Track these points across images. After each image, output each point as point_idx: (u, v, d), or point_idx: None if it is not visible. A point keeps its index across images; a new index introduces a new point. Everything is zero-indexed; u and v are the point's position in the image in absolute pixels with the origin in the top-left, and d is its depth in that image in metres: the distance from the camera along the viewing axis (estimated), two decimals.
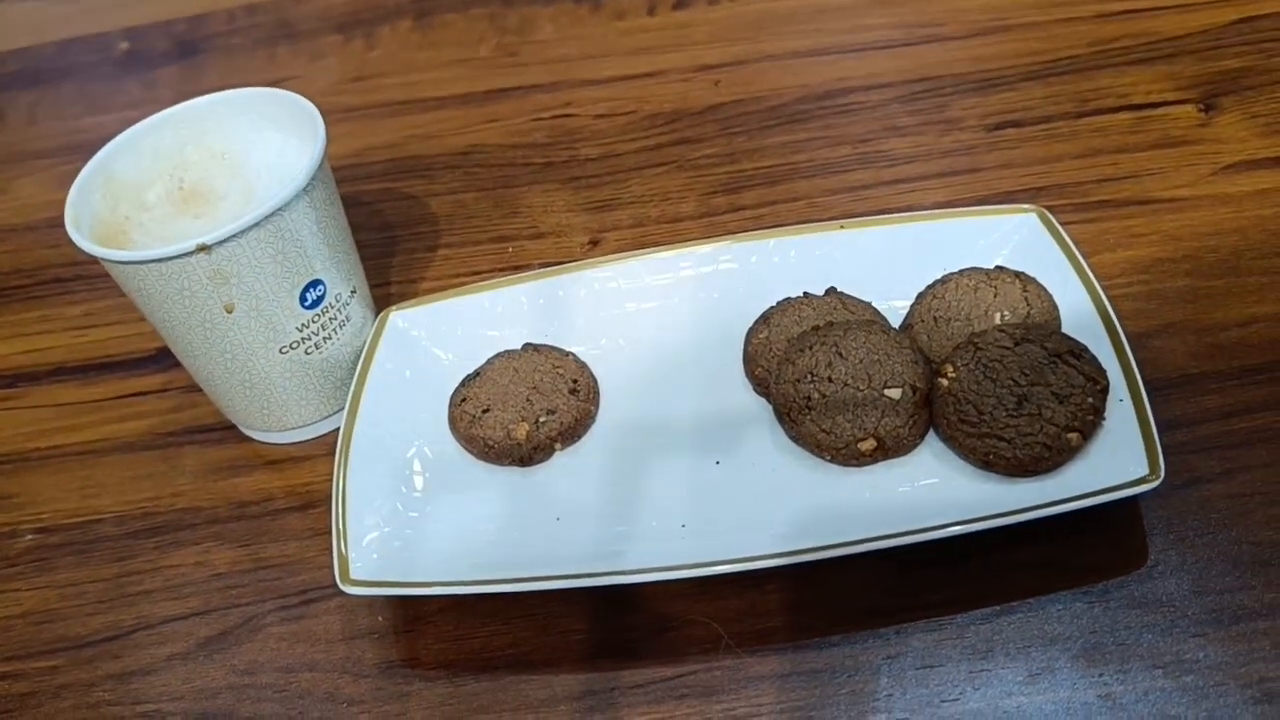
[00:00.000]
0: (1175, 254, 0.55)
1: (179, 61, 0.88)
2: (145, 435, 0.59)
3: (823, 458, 0.48)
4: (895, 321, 0.53)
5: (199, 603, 0.51)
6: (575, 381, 0.53)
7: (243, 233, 0.48)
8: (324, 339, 0.54)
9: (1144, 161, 0.60)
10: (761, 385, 0.52)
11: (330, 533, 0.47)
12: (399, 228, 0.68)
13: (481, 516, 0.50)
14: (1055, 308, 0.50)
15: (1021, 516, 0.42)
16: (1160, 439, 0.43)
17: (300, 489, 0.54)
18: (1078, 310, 0.50)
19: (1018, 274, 0.52)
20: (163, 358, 0.62)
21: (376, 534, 0.48)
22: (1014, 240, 0.53)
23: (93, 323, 0.66)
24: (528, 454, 0.51)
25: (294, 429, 0.56)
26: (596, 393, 0.53)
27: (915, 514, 0.44)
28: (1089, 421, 0.45)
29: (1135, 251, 0.55)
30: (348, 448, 0.50)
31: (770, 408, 0.51)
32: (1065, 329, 0.50)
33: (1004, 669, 0.42)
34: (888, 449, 0.47)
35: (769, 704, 0.43)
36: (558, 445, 0.52)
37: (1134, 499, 0.45)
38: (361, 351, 0.54)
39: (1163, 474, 0.42)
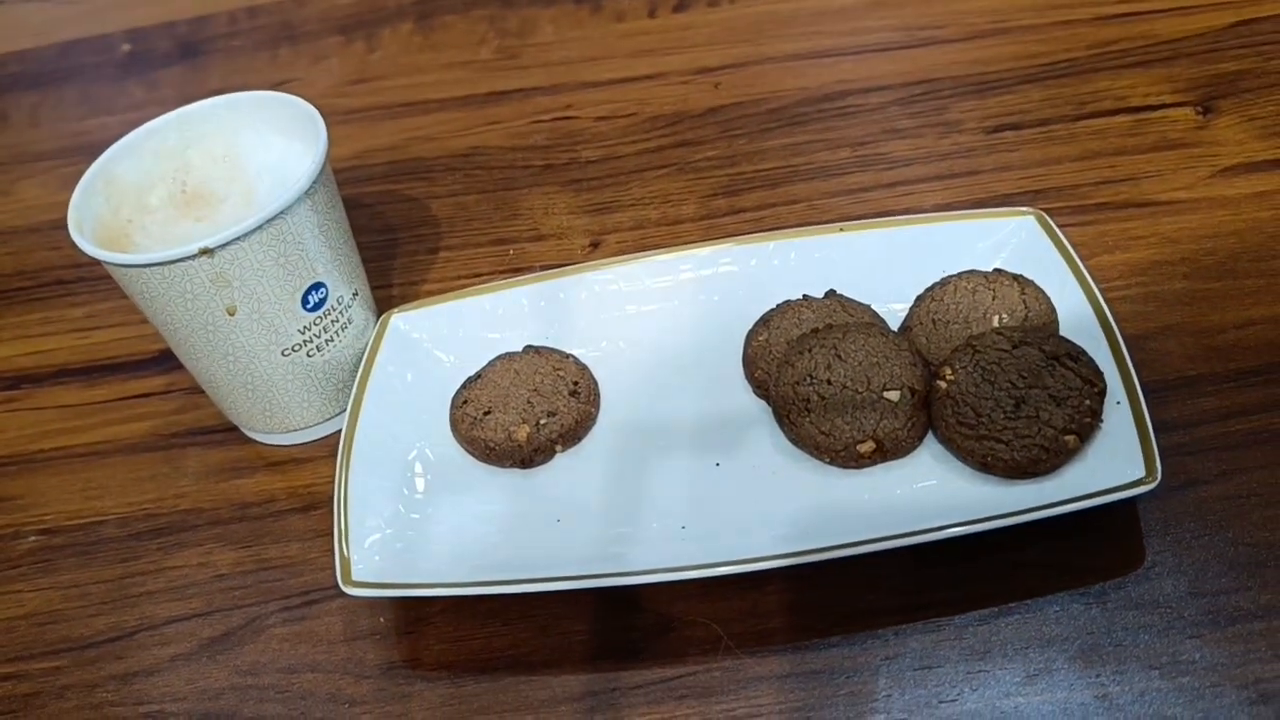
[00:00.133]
0: (1173, 256, 0.55)
1: (181, 63, 0.88)
2: (148, 437, 0.59)
3: (822, 460, 0.49)
4: (894, 324, 0.53)
5: (201, 604, 0.51)
6: (576, 383, 0.53)
7: (245, 236, 0.48)
8: (326, 341, 0.54)
9: (1142, 164, 0.60)
10: (761, 387, 0.52)
11: (332, 534, 0.48)
12: (400, 230, 0.68)
13: (483, 518, 0.50)
14: (1053, 310, 0.51)
15: (1019, 518, 0.42)
16: (1157, 441, 0.43)
17: (302, 490, 0.55)
18: (1075, 313, 0.50)
19: (1016, 277, 0.52)
20: (165, 360, 0.62)
21: (378, 535, 0.48)
22: (1012, 243, 0.53)
23: (95, 325, 0.66)
24: (529, 456, 0.51)
25: (296, 431, 0.56)
26: (597, 395, 0.54)
27: (914, 516, 0.44)
28: (1086, 424, 0.45)
29: (1133, 254, 0.56)
30: (349, 449, 0.50)
31: (770, 410, 0.51)
32: (1063, 331, 0.50)
33: (1002, 670, 0.43)
34: (886, 451, 0.48)
35: (768, 704, 0.43)
36: (559, 447, 0.52)
37: (1131, 501, 0.45)
38: (363, 354, 0.55)
39: (1159, 476, 0.42)
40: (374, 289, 0.59)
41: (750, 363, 0.53)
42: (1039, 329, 0.49)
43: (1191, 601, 0.43)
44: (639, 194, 0.66)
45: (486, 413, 0.52)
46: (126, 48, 0.91)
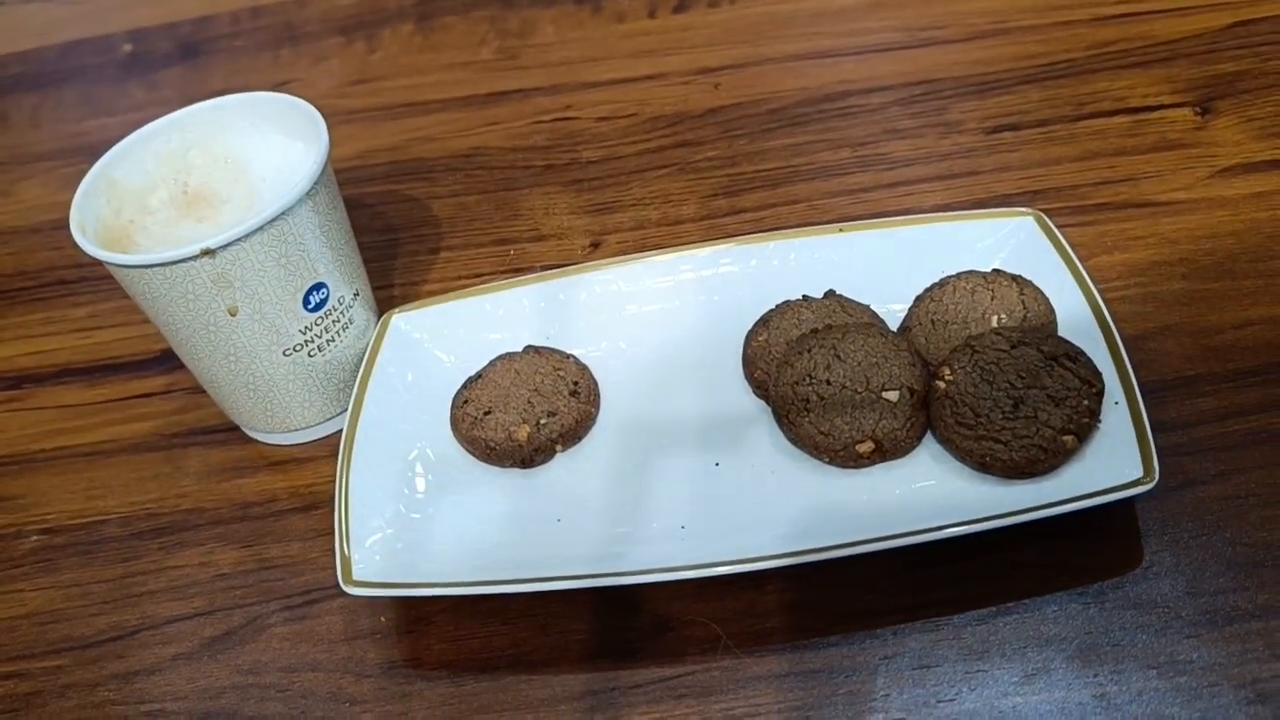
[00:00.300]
0: (1171, 257, 0.55)
1: (182, 64, 0.88)
2: (150, 437, 0.59)
3: (821, 460, 0.49)
4: (893, 324, 0.53)
5: (203, 603, 0.51)
6: (576, 383, 0.53)
7: (246, 237, 0.49)
8: (327, 341, 0.54)
9: (1141, 165, 0.60)
10: (761, 387, 0.52)
11: (333, 534, 0.48)
12: (401, 230, 0.68)
13: (483, 518, 0.50)
14: (1052, 311, 0.51)
15: (1018, 518, 0.43)
16: (1155, 441, 0.43)
17: (303, 490, 0.55)
18: (1074, 313, 0.50)
19: (1015, 277, 0.52)
20: (167, 360, 0.62)
21: (379, 535, 0.48)
22: (1011, 243, 0.53)
23: (97, 325, 0.67)
24: (529, 455, 0.51)
25: (297, 431, 0.56)
26: (597, 395, 0.54)
27: (912, 515, 0.44)
28: (1085, 424, 0.45)
29: (1132, 254, 0.56)
30: (350, 449, 0.51)
31: (769, 410, 0.51)
32: (1062, 332, 0.50)
33: (1000, 669, 0.43)
34: (885, 451, 0.48)
35: (767, 704, 0.43)
36: (559, 447, 0.52)
37: (1129, 501, 0.46)
38: (364, 354, 0.55)
39: (1157, 476, 0.42)
40: (375, 289, 0.59)
41: (750, 363, 0.53)
42: (1038, 329, 0.49)
43: (1189, 601, 0.43)
44: (639, 194, 0.66)
45: (487, 413, 0.52)
46: (128, 48, 0.91)
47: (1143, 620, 0.43)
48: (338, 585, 0.46)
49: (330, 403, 0.56)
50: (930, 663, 0.43)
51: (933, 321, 0.52)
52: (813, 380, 0.49)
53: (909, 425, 0.48)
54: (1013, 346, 0.48)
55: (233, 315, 0.51)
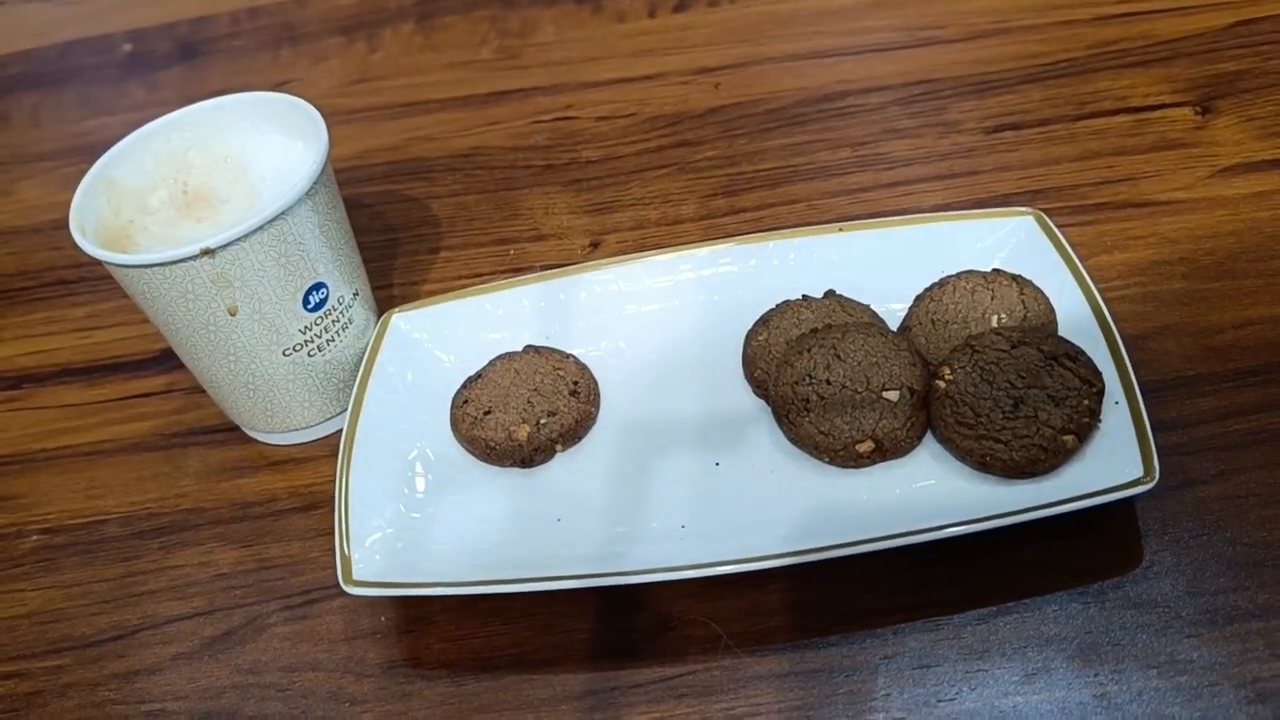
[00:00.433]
0: (1171, 256, 0.55)
1: (182, 64, 0.88)
2: (149, 436, 0.59)
3: (821, 459, 0.49)
4: (893, 324, 0.53)
5: (203, 603, 0.51)
6: (576, 383, 0.53)
7: (246, 236, 0.49)
8: (327, 341, 0.54)
9: (1141, 164, 0.60)
10: (761, 387, 0.52)
11: (333, 533, 0.48)
12: (400, 230, 0.68)
13: (483, 517, 0.50)
14: (1052, 310, 0.51)
15: (1018, 518, 0.43)
16: (1155, 441, 0.43)
17: (303, 490, 0.55)
18: (1074, 313, 0.50)
19: (1015, 277, 0.52)
20: (166, 359, 0.62)
21: (379, 535, 0.48)
22: (1011, 243, 0.53)
23: (97, 324, 0.67)
24: (529, 455, 0.51)
25: (297, 430, 0.56)
26: (597, 394, 0.54)
27: (913, 515, 0.44)
28: (1085, 424, 0.45)
29: (1132, 254, 0.56)
30: (350, 449, 0.51)
31: (769, 409, 0.51)
32: (1062, 331, 0.50)
33: (1000, 669, 0.43)
34: (885, 450, 0.48)
35: (768, 703, 0.43)
36: (559, 446, 0.52)
37: (1129, 500, 0.46)
38: (364, 353, 0.55)
39: (1158, 476, 0.42)
40: (375, 289, 0.59)
41: (750, 362, 0.53)
42: (1038, 329, 0.49)
43: (1189, 601, 0.43)
44: (639, 194, 0.66)
45: (487, 412, 0.52)
46: (127, 48, 0.91)
47: (1143, 620, 0.43)
48: (338, 585, 0.46)
49: (330, 402, 0.56)
50: (930, 662, 0.43)
51: (933, 321, 0.52)
52: (813, 380, 0.49)
53: (909, 425, 0.48)
54: (1013, 346, 0.48)
55: (232, 315, 0.51)
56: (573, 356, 0.55)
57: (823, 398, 0.49)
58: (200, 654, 0.49)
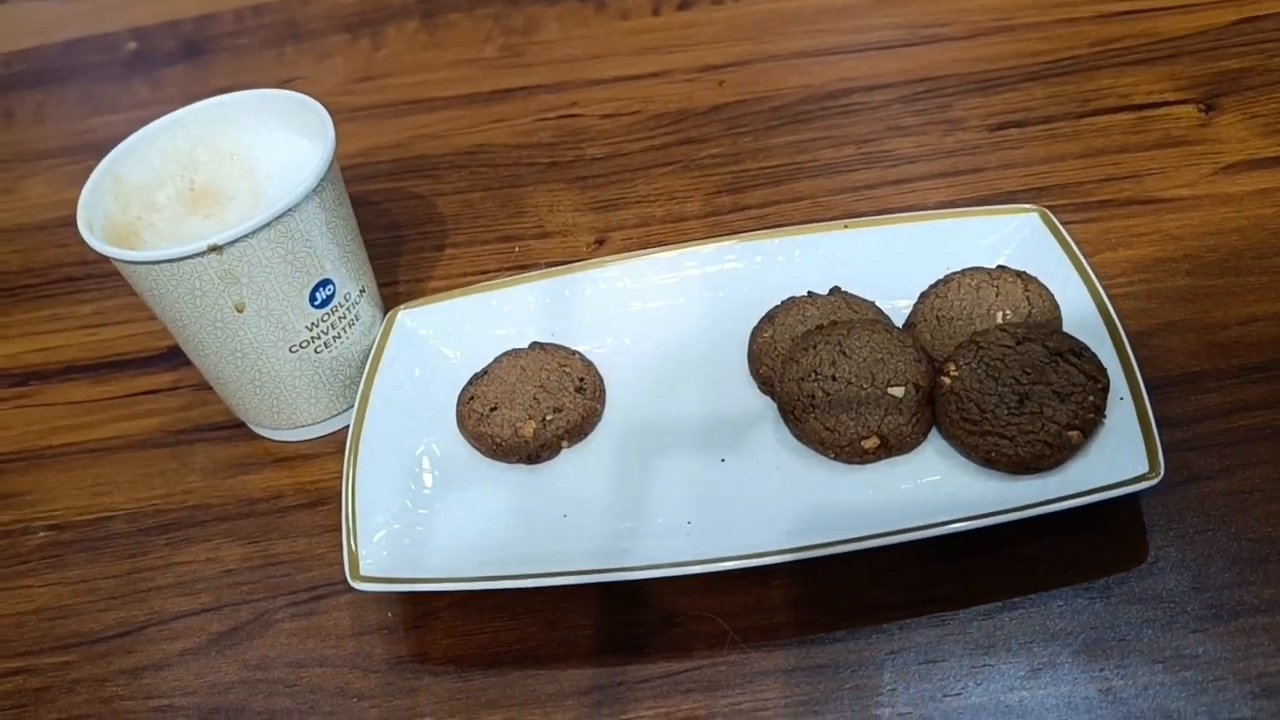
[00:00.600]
0: (1176, 253, 0.55)
1: (186, 62, 0.88)
2: (156, 433, 0.59)
3: (827, 455, 0.49)
4: (898, 320, 0.53)
5: (210, 598, 0.51)
6: (582, 380, 0.53)
7: (253, 233, 0.49)
8: (333, 338, 0.54)
9: (1145, 161, 0.60)
10: (766, 384, 0.52)
11: (340, 529, 0.48)
12: (406, 227, 0.68)
13: (489, 513, 0.50)
14: (1057, 307, 0.51)
15: (1023, 513, 0.43)
16: (1160, 437, 0.44)
17: (310, 486, 0.55)
18: (1079, 309, 0.50)
19: (1020, 273, 0.52)
20: (173, 356, 0.62)
21: (386, 531, 0.48)
22: (1016, 240, 0.54)
23: (103, 321, 0.67)
24: (535, 452, 0.52)
25: (304, 427, 0.56)
26: (603, 391, 0.54)
27: (918, 511, 0.45)
28: (1090, 419, 0.46)
29: (1136, 251, 0.56)
30: (357, 445, 0.51)
31: (775, 406, 0.51)
32: (1066, 328, 0.50)
33: (1006, 664, 0.43)
34: (891, 447, 0.48)
35: (774, 699, 0.44)
36: (565, 443, 0.52)
37: (1134, 496, 0.46)
38: (370, 350, 0.55)
39: (1162, 471, 0.42)
40: (380, 286, 0.59)
41: (755, 359, 0.53)
42: (1042, 325, 0.49)
43: (1195, 596, 0.43)
44: (644, 191, 0.67)
45: (493, 409, 0.52)
46: (131, 46, 0.91)
47: (1148, 615, 0.43)
48: (345, 581, 0.46)
49: (336, 399, 0.56)
50: (936, 657, 0.44)
51: (938, 318, 0.52)
52: (818, 376, 0.49)
53: (914, 421, 0.48)
54: (1018, 342, 0.48)
55: (239, 312, 0.51)
56: (578, 353, 0.55)
57: (828, 394, 0.49)
58: (208, 650, 0.50)
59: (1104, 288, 0.50)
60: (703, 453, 0.51)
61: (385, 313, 0.57)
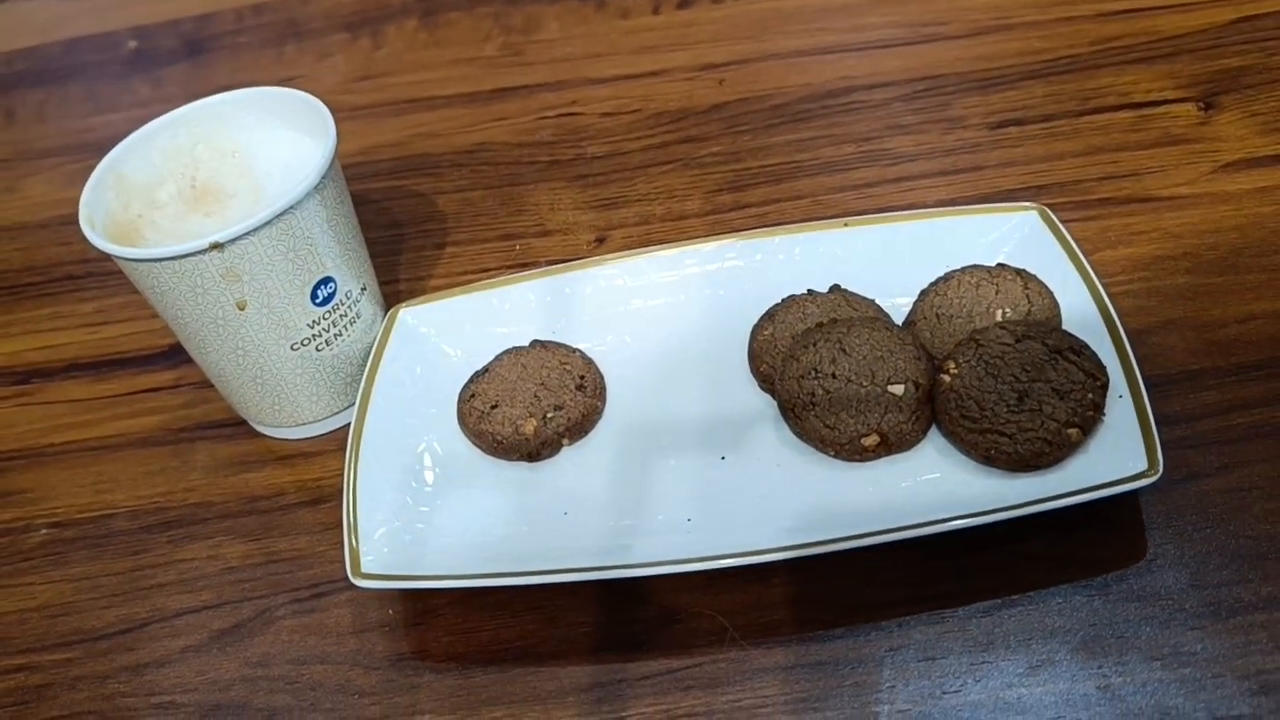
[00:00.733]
0: (1175, 251, 0.55)
1: (186, 60, 0.88)
2: (158, 431, 0.59)
3: (827, 453, 0.49)
4: (898, 318, 0.53)
5: (211, 596, 0.52)
6: (582, 378, 0.53)
7: (255, 231, 0.49)
8: (334, 336, 0.54)
9: (1144, 159, 0.60)
10: (766, 381, 0.52)
11: (341, 527, 0.48)
12: (407, 225, 0.68)
13: (490, 511, 0.50)
14: (1056, 305, 0.51)
15: (1022, 511, 0.43)
16: (1159, 434, 0.44)
17: (311, 484, 0.55)
18: (1078, 307, 0.50)
19: (1019, 271, 0.52)
20: (175, 354, 0.62)
21: (386, 528, 0.49)
22: (1015, 238, 0.54)
23: (105, 319, 0.67)
24: (535, 449, 0.52)
25: (305, 425, 0.56)
26: (603, 389, 0.54)
27: (918, 509, 0.45)
28: (1089, 417, 0.46)
29: (1135, 249, 0.56)
30: (358, 443, 0.51)
31: (775, 404, 0.51)
32: (1066, 326, 0.50)
33: (1005, 661, 0.43)
34: (891, 444, 0.48)
35: (774, 695, 0.44)
36: (565, 441, 0.52)
37: (1133, 494, 0.46)
38: (371, 348, 0.55)
39: (1161, 469, 0.43)
40: (381, 284, 0.59)
41: (755, 357, 0.53)
42: (1042, 323, 0.50)
43: (1193, 593, 0.43)
44: (644, 189, 0.67)
45: (494, 406, 0.53)
46: (132, 45, 0.91)
47: (1147, 612, 0.43)
48: (346, 578, 0.46)
49: (338, 397, 0.56)
50: (935, 654, 0.44)
51: (937, 315, 0.52)
52: (818, 374, 0.49)
53: (914, 419, 0.48)
54: (1017, 340, 0.48)
55: (241, 309, 0.51)
56: (579, 351, 0.55)
57: (828, 392, 0.49)
58: (209, 647, 0.50)
59: (1103, 286, 0.50)
60: (703, 450, 0.51)
61: (386, 311, 0.57)
